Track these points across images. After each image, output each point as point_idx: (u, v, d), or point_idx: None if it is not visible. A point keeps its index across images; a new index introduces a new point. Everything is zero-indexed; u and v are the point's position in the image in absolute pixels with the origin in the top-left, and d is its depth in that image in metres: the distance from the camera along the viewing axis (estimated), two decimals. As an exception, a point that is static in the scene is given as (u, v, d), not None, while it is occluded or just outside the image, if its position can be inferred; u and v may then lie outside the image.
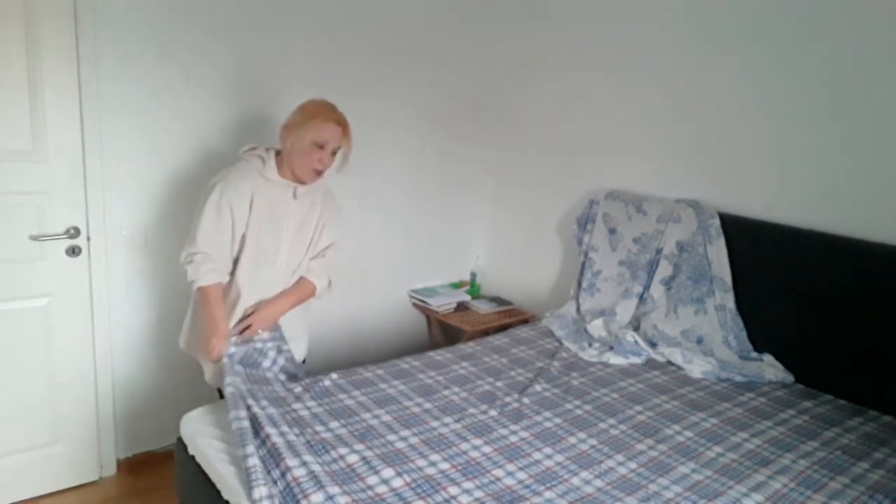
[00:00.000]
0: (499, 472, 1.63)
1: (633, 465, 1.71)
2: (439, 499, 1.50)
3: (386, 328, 3.33)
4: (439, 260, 3.48)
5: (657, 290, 2.60)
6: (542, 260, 3.29)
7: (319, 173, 2.06)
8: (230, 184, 2.00)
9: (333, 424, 1.79)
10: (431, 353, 2.38)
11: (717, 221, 2.49)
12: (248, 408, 1.75)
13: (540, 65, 3.18)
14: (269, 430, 1.66)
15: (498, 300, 3.40)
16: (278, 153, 2.09)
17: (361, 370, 2.17)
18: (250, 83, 2.58)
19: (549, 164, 3.21)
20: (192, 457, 1.81)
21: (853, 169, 2.20)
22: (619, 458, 1.75)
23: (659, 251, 2.60)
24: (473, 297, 3.42)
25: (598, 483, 1.63)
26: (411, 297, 3.36)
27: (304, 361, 2.29)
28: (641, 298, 2.64)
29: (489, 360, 2.35)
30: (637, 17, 2.76)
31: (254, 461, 1.55)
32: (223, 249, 2.02)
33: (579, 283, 2.87)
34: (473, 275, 3.56)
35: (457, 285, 3.51)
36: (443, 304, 3.25)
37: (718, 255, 2.47)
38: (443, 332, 3.33)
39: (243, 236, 2.04)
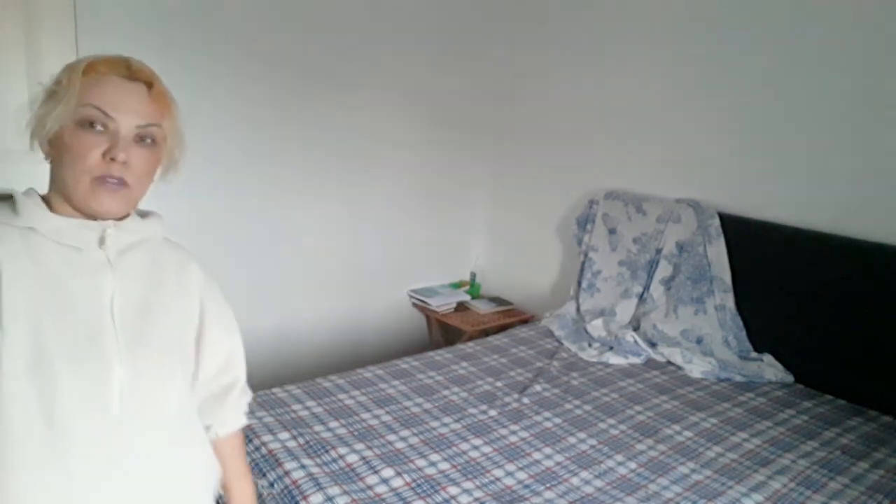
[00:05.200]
0: (499, 472, 1.64)
1: (632, 465, 1.71)
2: (439, 499, 1.50)
3: (386, 328, 3.33)
4: (439, 260, 3.48)
5: (657, 290, 2.60)
6: (542, 260, 3.29)
7: (115, 184, 0.97)
8: None
9: (333, 424, 1.79)
10: (431, 353, 2.38)
11: (717, 221, 2.49)
12: None
13: (540, 65, 3.18)
14: (265, 437, 1.66)
15: (498, 300, 3.40)
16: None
17: (361, 370, 2.17)
18: (248, 82, 2.58)
19: (548, 164, 3.21)
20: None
21: (852, 169, 2.20)
22: (619, 458, 1.75)
23: (659, 251, 2.60)
24: (473, 297, 3.42)
25: (598, 483, 1.63)
26: (411, 297, 3.36)
27: None
28: (641, 298, 2.64)
29: (489, 360, 2.35)
30: (637, 18, 2.76)
31: None
32: None
33: (579, 283, 2.87)
34: (473, 275, 3.56)
35: (457, 285, 3.51)
36: (443, 304, 3.25)
37: (718, 255, 2.47)
38: (443, 332, 3.33)
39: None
